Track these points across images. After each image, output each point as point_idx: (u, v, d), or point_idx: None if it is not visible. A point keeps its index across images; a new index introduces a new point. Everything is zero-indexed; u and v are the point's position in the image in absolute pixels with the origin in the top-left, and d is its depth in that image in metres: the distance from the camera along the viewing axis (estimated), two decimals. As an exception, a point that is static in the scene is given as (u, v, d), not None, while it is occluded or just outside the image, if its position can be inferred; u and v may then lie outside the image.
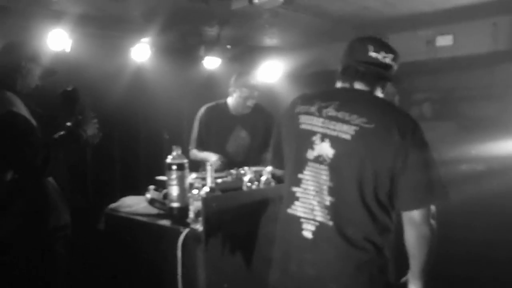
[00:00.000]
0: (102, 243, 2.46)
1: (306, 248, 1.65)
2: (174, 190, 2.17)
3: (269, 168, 2.78)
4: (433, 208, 1.61)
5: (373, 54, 1.67)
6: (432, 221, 1.60)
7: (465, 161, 5.11)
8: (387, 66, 1.69)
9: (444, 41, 4.67)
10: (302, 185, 1.66)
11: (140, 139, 5.31)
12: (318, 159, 1.63)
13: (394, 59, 1.70)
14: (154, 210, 2.33)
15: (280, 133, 1.89)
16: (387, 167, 1.56)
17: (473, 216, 4.17)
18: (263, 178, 2.45)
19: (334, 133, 1.61)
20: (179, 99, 5.38)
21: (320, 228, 1.62)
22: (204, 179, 2.25)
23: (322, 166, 1.62)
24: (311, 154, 1.65)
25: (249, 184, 2.40)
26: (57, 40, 3.98)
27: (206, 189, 2.14)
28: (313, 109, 1.69)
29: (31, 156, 2.01)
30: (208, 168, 2.17)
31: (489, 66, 5.14)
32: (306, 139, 1.67)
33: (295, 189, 1.69)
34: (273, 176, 2.47)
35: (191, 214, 2.11)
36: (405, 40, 5.01)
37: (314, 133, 1.65)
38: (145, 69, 5.04)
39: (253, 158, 3.36)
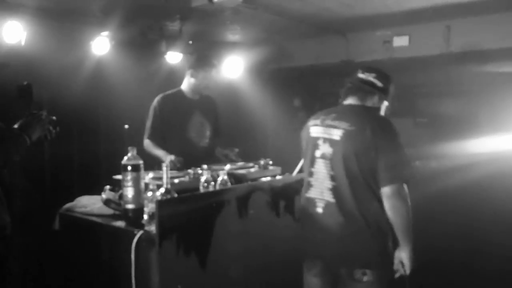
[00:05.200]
0: (56, 243, 2.44)
1: (318, 219, 2.24)
2: (129, 192, 2.17)
3: (227, 167, 2.83)
4: (405, 186, 2.07)
5: (360, 75, 2.29)
6: (403, 196, 2.05)
7: (419, 158, 5.30)
8: (372, 83, 2.25)
9: (401, 41, 4.82)
10: (314, 176, 2.27)
11: (101, 136, 5.20)
12: (323, 156, 2.23)
13: (377, 77, 2.25)
14: (109, 211, 2.31)
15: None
16: (366, 156, 2.08)
17: (425, 214, 4.33)
18: (219, 179, 2.47)
19: (330, 137, 2.21)
20: (140, 94, 5.30)
21: (327, 205, 2.21)
22: (160, 179, 2.25)
23: (326, 161, 2.21)
24: (318, 153, 2.25)
25: (205, 184, 2.41)
26: (12, 33, 3.89)
27: (162, 190, 2.15)
28: (318, 121, 2.31)
29: None
30: (164, 168, 2.18)
31: (442, 66, 5.34)
32: (314, 143, 2.28)
33: (309, 179, 2.30)
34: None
35: (146, 216, 2.12)
36: (363, 40, 5.14)
37: (318, 138, 2.26)
38: (105, 63, 4.94)
39: (212, 144, 3.40)
